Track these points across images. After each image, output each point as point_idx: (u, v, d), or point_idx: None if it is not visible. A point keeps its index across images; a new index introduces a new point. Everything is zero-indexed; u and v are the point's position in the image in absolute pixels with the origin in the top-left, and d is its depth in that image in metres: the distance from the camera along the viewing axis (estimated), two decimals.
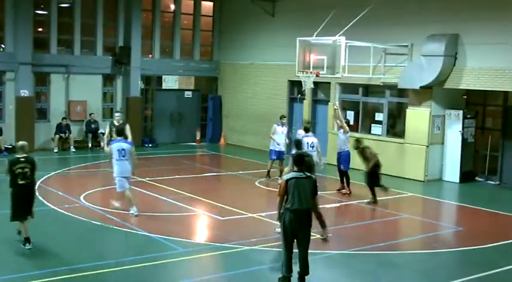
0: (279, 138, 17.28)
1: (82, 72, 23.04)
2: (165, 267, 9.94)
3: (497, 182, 18.20)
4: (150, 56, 25.05)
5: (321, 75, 17.59)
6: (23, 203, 10.54)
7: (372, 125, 20.28)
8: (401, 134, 19.24)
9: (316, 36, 17.89)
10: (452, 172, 18.28)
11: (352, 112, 20.84)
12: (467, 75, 17.29)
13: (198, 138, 25.82)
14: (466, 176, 18.28)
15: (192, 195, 15.27)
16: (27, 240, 10.50)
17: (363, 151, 15.10)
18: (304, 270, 8.88)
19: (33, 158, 10.87)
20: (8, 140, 21.09)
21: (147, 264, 9.91)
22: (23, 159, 10.55)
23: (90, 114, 23.01)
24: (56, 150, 21.98)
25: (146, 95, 25.12)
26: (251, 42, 24.60)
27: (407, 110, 18.85)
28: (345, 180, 16.17)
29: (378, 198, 15.03)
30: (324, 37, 17.58)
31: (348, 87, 20.96)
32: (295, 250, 8.93)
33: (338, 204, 15.18)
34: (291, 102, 23.18)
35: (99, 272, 9.53)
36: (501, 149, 18.19)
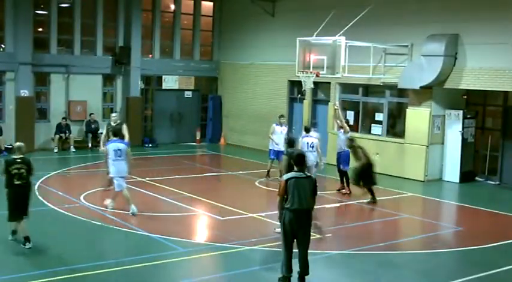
0: (278, 138, 17.28)
1: (82, 72, 23.04)
2: (165, 267, 9.94)
3: (497, 182, 18.19)
4: (150, 56, 25.05)
5: (321, 75, 17.60)
6: (18, 203, 10.59)
7: (372, 125, 20.28)
8: (401, 134, 19.24)
9: (316, 36, 17.89)
10: (452, 172, 18.28)
11: (352, 112, 20.84)
12: (467, 75, 17.29)
13: (198, 138, 25.82)
14: (466, 176, 18.28)
15: (192, 195, 15.27)
16: (26, 239, 10.51)
17: (355, 150, 15.16)
18: (304, 270, 8.89)
19: (30, 159, 10.90)
20: (8, 140, 21.07)
21: (147, 264, 9.91)
22: (19, 160, 10.61)
23: (90, 114, 23.01)
24: (56, 150, 21.98)
25: (146, 95, 25.12)
26: (251, 42, 24.61)
27: (407, 110, 18.85)
28: (344, 180, 16.17)
29: (377, 198, 15.03)
30: (324, 37, 17.59)
31: (348, 87, 20.96)
32: (295, 250, 8.94)
33: (338, 204, 15.18)
34: (291, 102, 23.18)
35: (99, 272, 9.53)
36: (501, 149, 18.19)
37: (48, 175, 17.33)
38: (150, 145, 24.27)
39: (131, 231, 11.91)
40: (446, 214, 15.65)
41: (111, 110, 23.81)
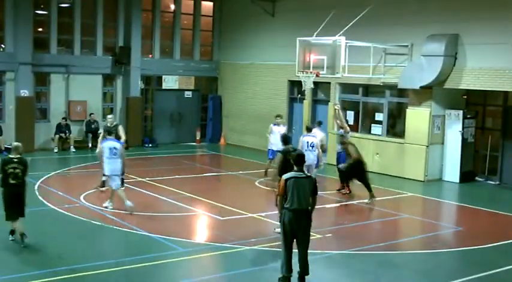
0: (275, 138, 17.23)
1: (82, 72, 23.03)
2: (165, 267, 9.94)
3: (497, 182, 18.19)
4: (150, 56, 25.05)
5: (321, 75, 17.60)
6: (13, 203, 10.67)
7: (372, 125, 20.27)
8: (401, 134, 19.24)
9: (316, 36, 17.89)
10: (452, 172, 18.28)
11: (352, 112, 20.83)
12: (467, 75, 17.29)
13: (198, 138, 25.82)
14: (466, 176, 18.28)
15: (192, 195, 15.27)
16: (22, 235, 10.58)
17: (346, 147, 15.17)
18: (304, 270, 8.89)
19: (26, 159, 10.94)
20: (8, 140, 21.03)
21: (147, 264, 9.91)
22: (16, 159, 10.67)
23: (90, 114, 23.00)
24: (56, 150, 21.98)
25: (146, 95, 25.12)
26: (251, 42, 24.61)
27: (407, 110, 18.85)
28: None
29: (378, 198, 15.03)
30: (324, 37, 17.59)
31: (348, 87, 20.96)
32: (295, 250, 8.94)
33: (338, 204, 15.18)
34: (291, 102, 23.18)
35: (99, 272, 9.53)
36: (501, 149, 18.19)
37: (48, 175, 17.34)
38: (150, 145, 24.27)
39: (131, 231, 11.91)
40: (446, 214, 15.65)
41: (111, 110, 23.88)
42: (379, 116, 20.14)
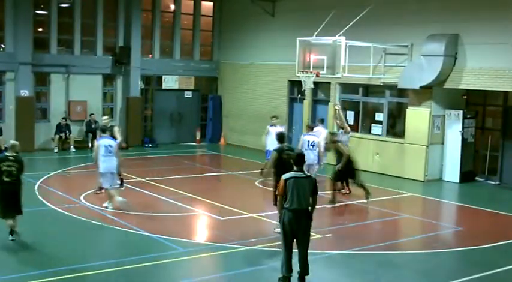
0: (272, 139, 17.17)
1: (82, 72, 23.04)
2: (165, 267, 9.93)
3: (497, 182, 18.19)
4: (150, 56, 25.05)
5: (321, 75, 17.59)
6: (8, 200, 10.70)
7: (372, 125, 20.27)
8: (401, 134, 19.24)
9: (316, 36, 17.89)
10: (452, 172, 18.28)
11: (352, 112, 20.83)
12: (467, 75, 17.29)
13: (198, 138, 25.82)
14: (466, 176, 18.28)
15: (192, 195, 15.27)
16: (12, 231, 10.67)
17: (337, 145, 15.10)
18: (304, 270, 8.88)
19: (22, 158, 10.96)
20: (8, 140, 20.95)
21: (147, 264, 9.91)
22: (11, 158, 10.73)
23: (90, 115, 22.99)
24: (56, 150, 21.98)
25: (146, 95, 25.12)
26: (251, 42, 24.61)
27: (407, 110, 18.85)
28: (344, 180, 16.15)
29: (378, 198, 15.02)
30: (324, 37, 17.58)
31: (348, 87, 20.96)
32: (295, 250, 8.93)
33: (338, 204, 15.16)
34: (291, 102, 23.18)
35: (99, 272, 9.53)
36: (501, 149, 18.19)
37: (48, 175, 17.34)
38: (150, 145, 24.27)
39: (131, 231, 11.90)
40: (446, 214, 15.65)
41: (111, 110, 23.87)
42: (379, 116, 20.14)
